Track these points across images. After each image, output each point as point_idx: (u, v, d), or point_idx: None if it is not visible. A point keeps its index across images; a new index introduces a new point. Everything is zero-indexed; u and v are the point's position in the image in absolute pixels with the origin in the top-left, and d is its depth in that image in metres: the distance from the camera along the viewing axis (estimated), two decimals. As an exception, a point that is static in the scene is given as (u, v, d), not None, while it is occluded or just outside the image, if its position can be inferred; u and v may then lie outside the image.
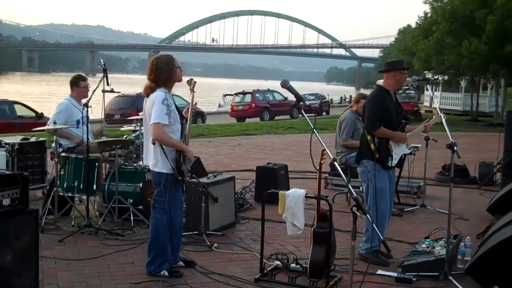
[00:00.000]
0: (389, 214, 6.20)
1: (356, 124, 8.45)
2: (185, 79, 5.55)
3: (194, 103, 5.66)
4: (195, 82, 5.62)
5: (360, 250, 5.94)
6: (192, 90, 5.60)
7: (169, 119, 5.10)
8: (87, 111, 6.77)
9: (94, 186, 7.06)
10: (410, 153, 8.23)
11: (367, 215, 4.14)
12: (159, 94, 5.14)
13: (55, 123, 7.09)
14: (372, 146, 5.83)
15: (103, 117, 7.90)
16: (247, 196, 8.65)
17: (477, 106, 32.68)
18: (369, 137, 5.87)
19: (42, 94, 59.16)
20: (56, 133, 7.01)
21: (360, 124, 8.41)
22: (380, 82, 6.24)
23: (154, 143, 5.14)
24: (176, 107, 5.31)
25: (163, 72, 5.19)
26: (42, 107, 21.59)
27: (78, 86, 7.53)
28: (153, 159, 5.25)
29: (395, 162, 5.98)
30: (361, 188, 8.40)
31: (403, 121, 6.05)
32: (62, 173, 7.01)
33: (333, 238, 5.34)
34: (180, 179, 5.18)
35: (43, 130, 7.57)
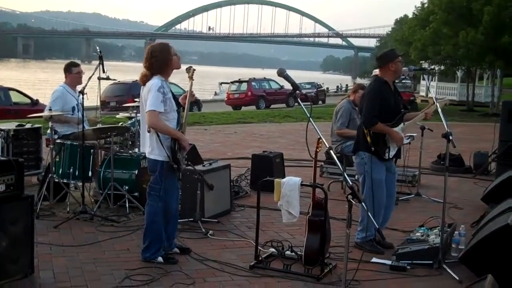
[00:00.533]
0: (392, 205, 6.22)
1: (352, 114, 8.43)
2: (183, 66, 5.52)
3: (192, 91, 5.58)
4: (194, 70, 5.52)
5: (355, 239, 5.96)
6: (190, 78, 5.52)
7: (164, 107, 5.06)
8: (83, 98, 6.76)
9: (90, 173, 7.05)
10: (408, 143, 8.26)
11: (363, 204, 4.14)
12: (155, 81, 5.10)
13: (50, 109, 7.09)
14: (369, 139, 5.81)
15: (98, 104, 7.89)
16: (242, 183, 8.66)
17: (473, 96, 32.71)
18: (365, 130, 5.86)
19: (37, 81, 58.92)
20: (52, 119, 7.00)
21: (356, 114, 8.40)
22: (377, 71, 6.21)
23: (149, 131, 5.11)
24: (173, 95, 5.27)
25: (157, 60, 5.13)
26: (37, 94, 21.49)
27: (71, 72, 7.52)
28: (149, 147, 5.22)
29: (392, 153, 5.97)
30: (356, 177, 8.43)
31: (402, 110, 6.03)
32: (57, 159, 7.01)
33: (328, 226, 5.35)
34: (176, 167, 5.19)
35: (39, 117, 7.56)
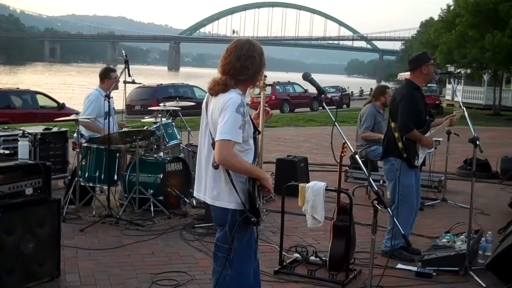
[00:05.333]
0: (416, 211, 6.17)
1: (377, 117, 8.39)
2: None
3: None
4: (265, 77, 4.05)
5: (382, 247, 5.90)
6: (262, 88, 4.20)
7: (242, 134, 3.54)
8: (109, 102, 6.82)
9: (115, 177, 7.10)
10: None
11: (388, 209, 4.10)
12: (233, 96, 3.53)
13: (77, 113, 7.17)
14: (400, 145, 5.74)
15: (124, 107, 7.94)
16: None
17: (499, 100, 32.35)
18: (396, 135, 5.77)
19: (63, 85, 59.55)
20: (83, 124, 7.08)
21: (381, 118, 8.35)
22: (402, 75, 6.17)
23: (217, 167, 3.60)
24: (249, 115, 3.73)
25: (254, 64, 3.61)
26: (62, 98, 21.66)
27: (110, 78, 7.52)
28: (213, 189, 3.68)
29: (420, 161, 5.93)
30: (381, 182, 8.37)
31: (427, 118, 5.98)
32: (83, 163, 7.07)
33: (353, 231, 5.33)
34: (254, 221, 3.60)
35: (65, 120, 7.64)
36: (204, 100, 3.75)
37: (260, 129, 3.98)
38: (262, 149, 4.06)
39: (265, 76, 3.93)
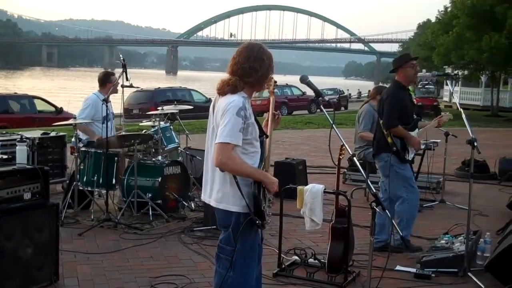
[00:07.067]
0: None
1: (375, 116, 8.39)
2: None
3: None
4: (275, 82, 4.06)
5: (392, 243, 5.94)
6: (272, 93, 4.17)
7: (245, 137, 3.57)
8: (107, 106, 6.83)
9: (114, 181, 7.10)
10: (430, 149, 8.22)
11: (387, 212, 4.11)
12: (235, 99, 3.55)
13: (75, 118, 7.18)
14: (389, 139, 5.86)
15: (122, 111, 7.94)
16: (265, 191, 8.62)
17: (497, 101, 32.38)
18: (385, 131, 5.91)
19: (60, 89, 59.53)
20: (78, 127, 7.09)
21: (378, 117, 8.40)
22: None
23: (223, 170, 3.59)
24: (255, 118, 3.75)
25: (263, 67, 3.66)
26: (61, 102, 21.66)
27: (111, 81, 7.52)
28: (217, 191, 3.68)
29: (411, 156, 6.05)
30: (379, 183, 8.38)
31: (415, 117, 6.09)
32: (81, 167, 7.07)
33: (351, 233, 5.33)
34: (259, 223, 3.60)
35: (63, 125, 7.64)
36: (212, 103, 3.77)
37: (268, 133, 4.01)
38: (270, 152, 4.02)
39: (275, 82, 4.03)
